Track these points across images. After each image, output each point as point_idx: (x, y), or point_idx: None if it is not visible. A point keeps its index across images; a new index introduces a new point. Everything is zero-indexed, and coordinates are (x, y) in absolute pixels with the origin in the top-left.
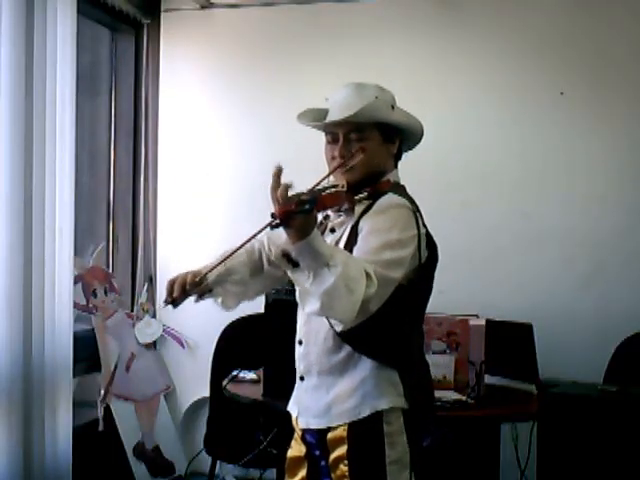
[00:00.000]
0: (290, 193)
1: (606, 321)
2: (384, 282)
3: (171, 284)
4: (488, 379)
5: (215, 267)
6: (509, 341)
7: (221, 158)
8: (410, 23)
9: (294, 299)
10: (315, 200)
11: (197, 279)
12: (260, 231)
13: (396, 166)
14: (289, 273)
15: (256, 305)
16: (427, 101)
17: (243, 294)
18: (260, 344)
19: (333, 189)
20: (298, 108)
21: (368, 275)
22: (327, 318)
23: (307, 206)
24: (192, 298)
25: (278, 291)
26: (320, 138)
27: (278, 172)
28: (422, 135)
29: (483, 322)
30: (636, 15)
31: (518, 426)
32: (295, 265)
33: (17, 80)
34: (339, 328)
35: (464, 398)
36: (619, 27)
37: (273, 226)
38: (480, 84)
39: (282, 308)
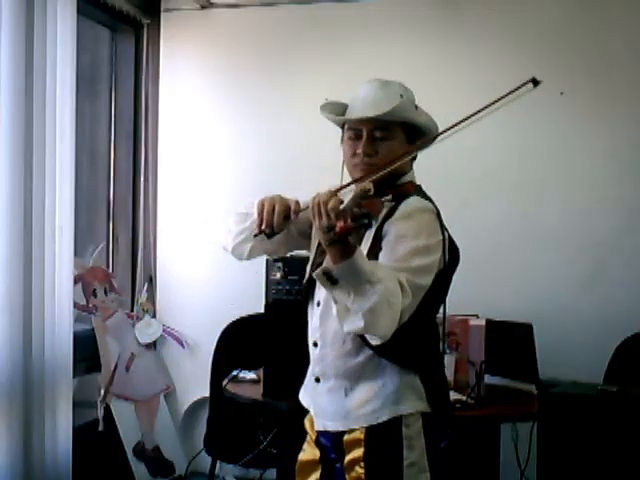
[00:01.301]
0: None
1: (606, 321)
2: (416, 291)
3: (270, 210)
4: (488, 379)
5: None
6: (509, 341)
7: (221, 158)
8: (410, 23)
9: (294, 299)
10: (370, 214)
11: (301, 209)
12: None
13: (412, 167)
14: (327, 290)
15: (256, 305)
16: (427, 101)
17: (276, 248)
18: (260, 344)
19: (361, 192)
20: (298, 108)
21: (402, 285)
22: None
23: (365, 220)
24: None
25: (278, 291)
26: (320, 138)
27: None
28: (436, 137)
29: (483, 322)
30: (636, 15)
31: (518, 426)
32: (334, 282)
33: (17, 80)
34: (376, 342)
35: (464, 398)
36: (619, 27)
37: (330, 243)
38: (480, 84)
39: (282, 308)
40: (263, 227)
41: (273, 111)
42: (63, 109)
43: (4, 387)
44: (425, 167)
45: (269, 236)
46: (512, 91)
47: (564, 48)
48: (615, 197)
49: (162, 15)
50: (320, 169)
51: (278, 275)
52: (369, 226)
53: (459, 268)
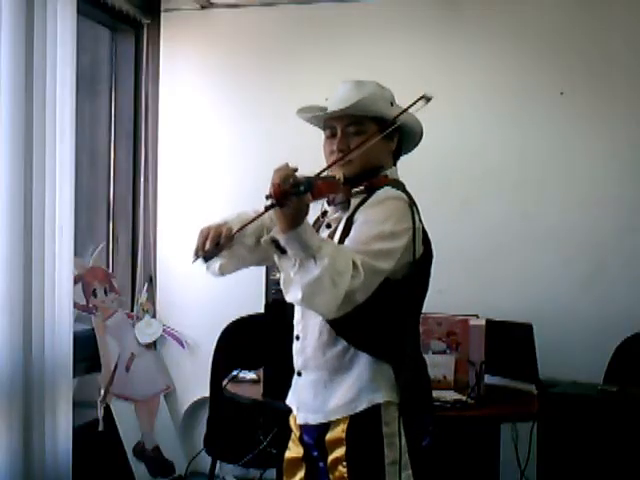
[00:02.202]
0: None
1: (606, 321)
2: (371, 272)
3: (204, 236)
4: (488, 379)
5: (245, 226)
6: (509, 341)
7: (221, 158)
8: (410, 23)
9: None
10: (311, 183)
11: (232, 233)
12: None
13: (395, 164)
14: (275, 259)
15: (256, 305)
16: None
17: (245, 260)
18: (260, 344)
19: (329, 178)
20: (298, 108)
21: (355, 266)
22: None
23: (302, 187)
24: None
25: (278, 291)
26: (320, 138)
27: (292, 169)
28: (422, 136)
29: (483, 322)
30: (636, 15)
31: (518, 426)
32: (283, 252)
33: (17, 80)
34: (322, 318)
35: (464, 398)
36: (619, 27)
37: (268, 207)
38: (480, 84)
39: (282, 308)
40: (199, 253)
41: (273, 111)
42: (63, 109)
43: (4, 387)
44: (426, 167)
45: (205, 260)
46: (407, 107)
47: (564, 48)
48: (615, 197)
49: (162, 15)
50: (320, 169)
51: (278, 275)
52: (304, 192)
53: (459, 268)
